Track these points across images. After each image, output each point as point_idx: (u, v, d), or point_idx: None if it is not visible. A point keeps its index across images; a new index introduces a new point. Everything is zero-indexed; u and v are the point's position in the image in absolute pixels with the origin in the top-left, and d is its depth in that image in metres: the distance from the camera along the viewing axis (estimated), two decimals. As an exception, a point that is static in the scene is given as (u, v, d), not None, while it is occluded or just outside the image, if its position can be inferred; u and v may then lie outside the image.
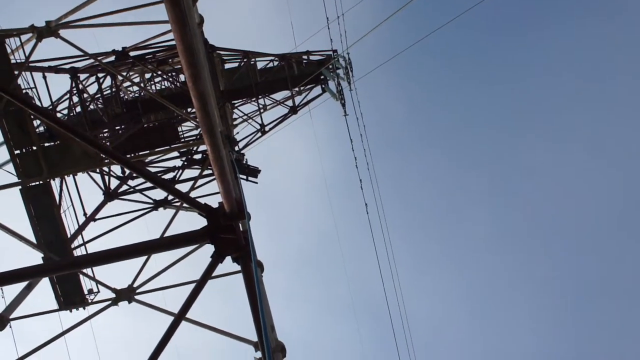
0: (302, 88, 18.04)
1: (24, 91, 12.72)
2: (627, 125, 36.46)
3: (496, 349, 40.36)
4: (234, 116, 18.48)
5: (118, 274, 13.33)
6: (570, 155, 38.40)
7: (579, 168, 38.53)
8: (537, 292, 40.15)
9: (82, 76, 15.51)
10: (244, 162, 14.86)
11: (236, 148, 16.17)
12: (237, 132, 18.04)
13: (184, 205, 14.69)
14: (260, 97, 17.53)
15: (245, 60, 16.94)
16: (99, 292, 14.19)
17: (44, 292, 13.39)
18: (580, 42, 37.03)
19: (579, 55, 36.93)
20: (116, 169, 16.34)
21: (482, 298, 42.01)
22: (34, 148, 12.55)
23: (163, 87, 18.98)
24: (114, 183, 16.15)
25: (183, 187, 16.57)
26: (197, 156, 16.75)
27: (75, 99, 15.39)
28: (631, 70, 35.42)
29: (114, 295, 13.00)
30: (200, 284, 6.03)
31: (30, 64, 13.15)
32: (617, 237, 37.95)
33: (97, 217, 15.18)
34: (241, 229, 5.90)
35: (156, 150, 16.08)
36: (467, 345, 41.26)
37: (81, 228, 14.33)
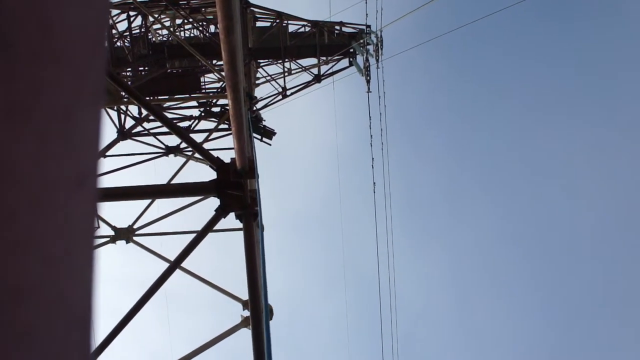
0: (329, 58, 17.92)
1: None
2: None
3: (483, 340, 40.65)
4: (257, 75, 18.42)
5: (117, 214, 13.44)
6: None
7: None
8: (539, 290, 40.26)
9: (113, 12, 15.47)
10: (262, 123, 14.85)
11: (255, 108, 16.16)
12: (260, 94, 17.98)
13: (195, 155, 14.74)
14: (286, 60, 17.43)
15: (277, 21, 16.81)
16: (99, 227, 14.34)
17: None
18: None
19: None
20: (133, 109, 16.38)
21: (479, 288, 42.18)
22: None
23: (192, 35, 18.89)
24: (128, 123, 16.19)
25: (197, 138, 16.59)
26: (216, 109, 16.74)
27: (106, 33, 15.36)
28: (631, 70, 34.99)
29: (113, 233, 13.12)
30: (200, 235, 6.07)
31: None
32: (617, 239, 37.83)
33: (107, 153, 15.26)
34: (249, 188, 5.92)
35: (175, 97, 16.08)
36: (451, 335, 41.56)
37: (91, 162, 14.40)
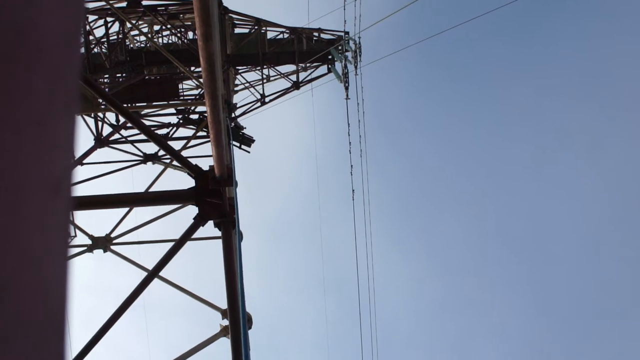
0: (308, 64, 17.94)
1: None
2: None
3: (463, 343, 40.85)
4: (236, 82, 18.38)
5: (94, 223, 13.29)
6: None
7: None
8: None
9: (90, 18, 15.34)
10: (242, 130, 14.81)
11: (233, 115, 16.12)
12: (239, 101, 17.94)
13: (174, 163, 14.64)
14: (265, 67, 17.42)
15: (256, 27, 16.80)
16: (75, 236, 14.17)
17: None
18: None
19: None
20: (111, 116, 16.23)
21: (458, 292, 42.38)
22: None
23: (170, 41, 18.81)
24: (106, 131, 16.04)
25: (175, 145, 16.49)
26: (194, 116, 16.66)
27: (81, 39, 15.22)
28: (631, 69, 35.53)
29: (90, 242, 12.97)
30: (179, 244, 6.02)
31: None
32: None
33: (84, 161, 15.10)
34: (227, 195, 5.89)
35: (153, 104, 15.97)
36: (431, 337, 41.72)
37: (67, 170, 14.22)
